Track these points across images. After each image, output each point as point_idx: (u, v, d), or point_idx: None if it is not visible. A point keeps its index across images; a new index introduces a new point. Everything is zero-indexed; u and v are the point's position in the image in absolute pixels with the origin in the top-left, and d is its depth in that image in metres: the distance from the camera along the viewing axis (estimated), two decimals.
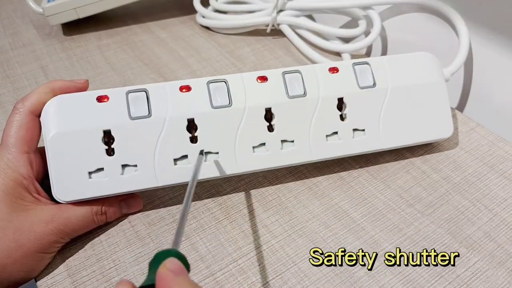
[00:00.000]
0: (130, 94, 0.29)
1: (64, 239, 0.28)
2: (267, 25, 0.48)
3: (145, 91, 0.29)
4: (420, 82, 0.33)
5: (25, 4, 0.52)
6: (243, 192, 0.33)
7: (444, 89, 0.34)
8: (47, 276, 0.28)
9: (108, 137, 0.29)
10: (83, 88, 0.30)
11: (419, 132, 0.33)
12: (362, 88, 0.32)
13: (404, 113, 0.33)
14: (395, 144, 0.33)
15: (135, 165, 0.29)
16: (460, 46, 0.38)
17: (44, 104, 0.28)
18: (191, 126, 0.30)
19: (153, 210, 0.32)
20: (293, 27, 0.48)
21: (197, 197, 0.33)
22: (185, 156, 0.29)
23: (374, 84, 0.32)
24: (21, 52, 0.49)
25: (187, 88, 0.30)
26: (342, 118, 0.32)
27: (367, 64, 0.32)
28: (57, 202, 0.28)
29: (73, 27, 0.53)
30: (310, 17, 0.53)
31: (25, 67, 0.47)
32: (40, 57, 0.48)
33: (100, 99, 0.29)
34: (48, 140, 0.28)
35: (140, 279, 0.28)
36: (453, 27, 0.40)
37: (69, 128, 0.28)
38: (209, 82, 0.30)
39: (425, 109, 0.33)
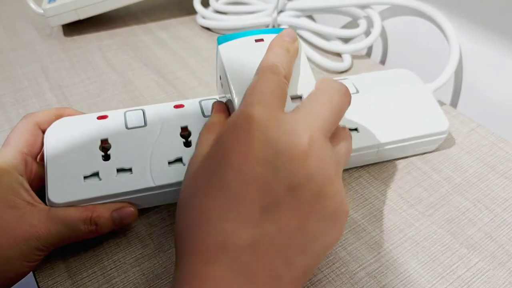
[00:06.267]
0: (127, 112, 0.32)
1: (47, 247, 0.27)
2: (267, 26, 0.48)
3: (142, 110, 0.32)
4: (401, 88, 0.35)
5: (25, 5, 0.52)
6: None
7: (428, 92, 0.35)
8: (48, 277, 0.28)
9: (106, 146, 0.30)
10: None
11: (415, 127, 0.34)
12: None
13: (393, 114, 0.34)
14: (392, 139, 0.33)
15: (130, 169, 0.29)
16: (450, 56, 0.39)
17: (50, 121, 0.30)
18: (185, 134, 0.31)
19: (153, 211, 0.32)
20: (293, 28, 0.48)
21: None
22: (179, 160, 0.30)
23: (357, 91, 0.34)
24: (21, 53, 0.49)
25: (181, 106, 0.32)
26: None
27: (346, 79, 0.36)
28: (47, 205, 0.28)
29: (74, 28, 0.53)
30: (311, 17, 0.53)
31: (25, 68, 0.47)
32: (40, 58, 0.48)
33: (100, 117, 0.31)
34: (47, 146, 0.29)
35: (141, 280, 0.28)
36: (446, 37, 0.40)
37: (69, 138, 0.30)
38: (201, 101, 0.33)
39: (413, 111, 0.34)
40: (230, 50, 0.27)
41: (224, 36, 0.28)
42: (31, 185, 0.28)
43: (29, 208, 0.26)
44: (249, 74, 0.26)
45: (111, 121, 0.31)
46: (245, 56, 0.27)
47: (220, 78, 0.29)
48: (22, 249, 0.25)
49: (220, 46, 0.27)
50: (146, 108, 0.32)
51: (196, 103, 0.33)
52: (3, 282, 0.26)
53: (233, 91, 0.26)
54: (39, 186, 0.29)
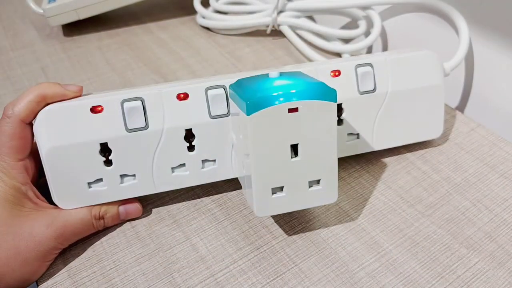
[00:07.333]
0: (125, 104, 0.28)
1: (62, 245, 0.28)
2: (267, 26, 0.48)
3: (141, 100, 0.28)
4: (419, 86, 0.33)
5: (25, 5, 0.52)
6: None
7: (442, 92, 0.34)
8: (48, 277, 0.28)
9: (105, 148, 0.28)
10: (76, 97, 0.29)
11: (409, 133, 0.34)
12: (362, 93, 0.32)
13: (399, 116, 0.33)
14: (386, 146, 0.34)
15: (134, 175, 0.29)
16: (460, 42, 0.38)
17: (35, 112, 0.27)
18: (189, 134, 0.30)
19: (153, 211, 0.32)
20: (293, 28, 0.48)
21: (198, 197, 0.33)
22: (183, 165, 0.30)
23: (374, 89, 0.32)
24: (21, 53, 0.49)
25: (185, 96, 0.29)
26: (338, 123, 0.32)
27: (368, 65, 0.32)
28: (56, 205, 0.29)
29: (73, 28, 0.53)
30: (311, 18, 0.53)
31: (25, 68, 0.47)
32: (40, 58, 0.48)
33: (94, 109, 0.28)
34: (44, 154, 0.27)
35: (141, 279, 0.28)
36: (453, 25, 0.40)
37: (64, 141, 0.27)
38: (207, 90, 0.29)
39: (419, 110, 0.34)
40: (261, 124, 0.25)
41: (252, 98, 0.25)
42: (33, 178, 0.29)
43: (40, 212, 0.27)
44: (275, 151, 0.25)
45: (108, 117, 0.28)
46: (275, 132, 0.25)
47: (238, 128, 0.28)
48: (40, 251, 0.27)
49: (250, 118, 0.24)
50: (146, 97, 0.28)
51: (202, 92, 0.29)
52: (22, 284, 0.27)
53: (254, 172, 0.26)
54: (38, 173, 0.30)
